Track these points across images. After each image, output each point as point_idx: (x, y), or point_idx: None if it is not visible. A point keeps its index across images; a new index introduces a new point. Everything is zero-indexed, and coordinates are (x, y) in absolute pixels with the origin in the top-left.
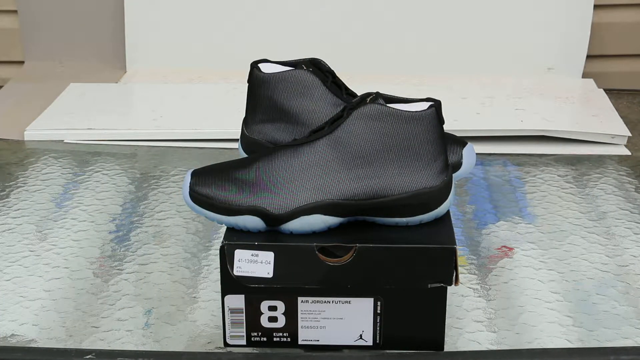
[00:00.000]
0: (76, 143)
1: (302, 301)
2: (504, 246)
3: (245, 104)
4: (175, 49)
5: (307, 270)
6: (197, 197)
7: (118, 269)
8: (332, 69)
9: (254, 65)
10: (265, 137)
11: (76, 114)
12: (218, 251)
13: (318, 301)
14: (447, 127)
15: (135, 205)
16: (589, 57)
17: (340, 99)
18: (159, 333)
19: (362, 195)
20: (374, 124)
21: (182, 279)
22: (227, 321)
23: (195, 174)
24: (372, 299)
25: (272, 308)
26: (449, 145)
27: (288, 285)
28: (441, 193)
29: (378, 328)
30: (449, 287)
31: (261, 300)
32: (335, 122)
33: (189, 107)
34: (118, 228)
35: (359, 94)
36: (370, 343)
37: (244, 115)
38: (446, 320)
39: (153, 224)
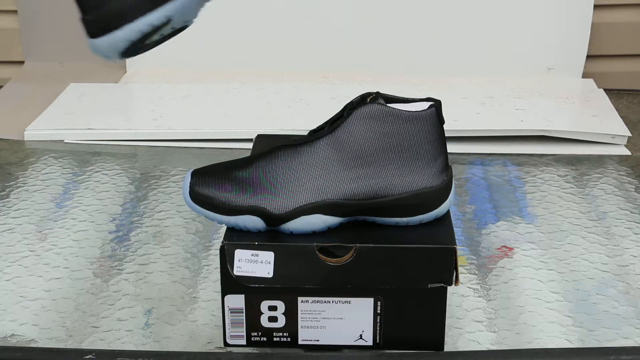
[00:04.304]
0: (76, 143)
1: (302, 301)
2: (504, 246)
3: (245, 103)
4: (175, 49)
5: (307, 270)
6: (197, 197)
7: (118, 269)
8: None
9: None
10: None
11: (76, 114)
12: (218, 251)
13: (318, 301)
14: (447, 127)
15: (135, 205)
16: (589, 57)
17: None
18: (159, 333)
19: (362, 195)
20: (374, 124)
21: (182, 279)
22: (227, 321)
23: (195, 174)
24: (372, 299)
25: (272, 308)
26: None
27: (288, 285)
28: (441, 193)
29: (378, 328)
30: (449, 287)
31: (261, 300)
32: (335, 122)
33: (189, 107)
34: (118, 228)
35: (359, 94)
36: (370, 343)
37: (244, 116)
38: (446, 320)
39: (153, 224)
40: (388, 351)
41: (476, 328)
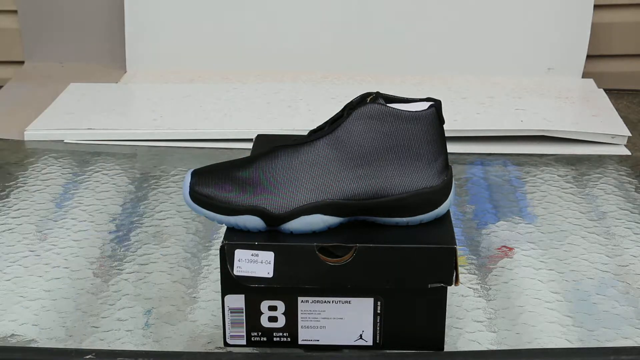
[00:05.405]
0: (76, 143)
1: (302, 301)
2: (504, 246)
3: (245, 103)
4: (176, 49)
5: (307, 270)
6: (197, 197)
7: (118, 269)
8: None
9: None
10: None
11: (76, 114)
12: (218, 251)
13: (318, 301)
14: (447, 127)
15: (135, 205)
16: (589, 57)
17: None
18: (159, 333)
19: (362, 195)
20: (374, 124)
21: (182, 279)
22: (227, 321)
23: (195, 174)
24: (372, 299)
25: (272, 308)
26: None
27: (288, 285)
28: (441, 193)
29: (378, 328)
30: (449, 287)
31: (261, 300)
32: (335, 122)
33: (189, 107)
34: (118, 228)
35: (359, 94)
36: (370, 343)
37: (244, 116)
38: (446, 320)
39: (153, 224)
40: (388, 351)
41: (476, 328)
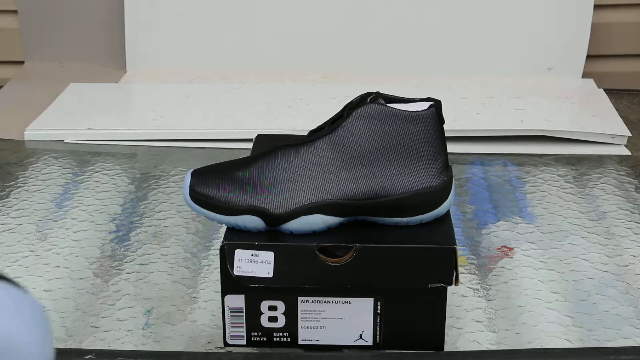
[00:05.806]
0: (76, 143)
1: (302, 301)
2: (504, 246)
3: (245, 103)
4: (175, 49)
5: (307, 270)
6: (197, 197)
7: (118, 269)
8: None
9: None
10: None
11: (76, 114)
12: (218, 251)
13: (318, 301)
14: (447, 127)
15: (135, 205)
16: (589, 57)
17: None
18: (159, 333)
19: (362, 195)
20: (374, 124)
21: (182, 279)
22: (227, 321)
23: (195, 174)
24: (372, 299)
25: (272, 308)
26: None
27: (288, 285)
28: (441, 193)
29: (378, 328)
30: (449, 287)
31: (261, 300)
32: (335, 122)
33: (189, 107)
34: (118, 228)
35: (359, 94)
36: (370, 343)
37: (244, 116)
38: (446, 320)
39: (153, 224)
40: (388, 351)
41: (476, 328)
